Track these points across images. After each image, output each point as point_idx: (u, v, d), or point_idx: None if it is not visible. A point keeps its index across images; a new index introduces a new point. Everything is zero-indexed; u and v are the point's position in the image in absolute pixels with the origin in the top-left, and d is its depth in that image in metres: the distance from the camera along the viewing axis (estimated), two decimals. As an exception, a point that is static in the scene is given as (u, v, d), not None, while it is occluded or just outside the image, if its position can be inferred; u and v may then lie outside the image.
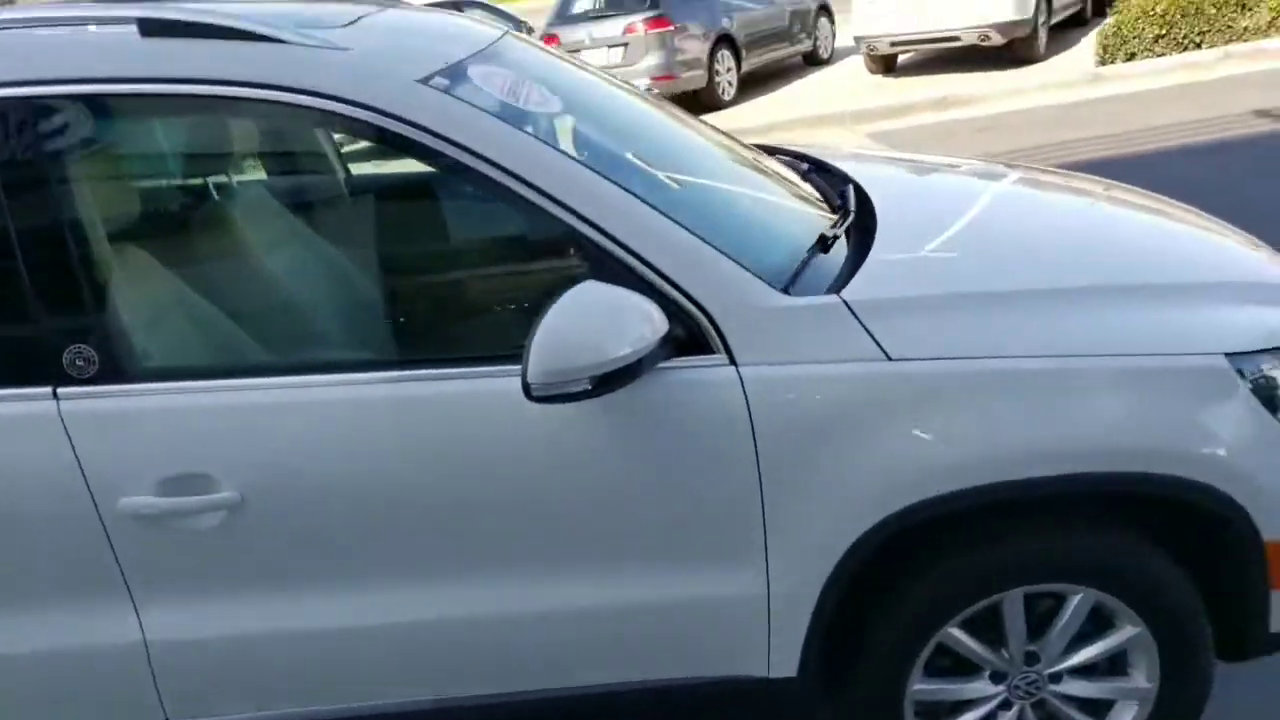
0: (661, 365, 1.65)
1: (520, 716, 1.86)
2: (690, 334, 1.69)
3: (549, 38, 10.25)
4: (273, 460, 1.68)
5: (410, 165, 1.70)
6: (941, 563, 1.82)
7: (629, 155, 2.05)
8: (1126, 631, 1.86)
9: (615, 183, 1.72)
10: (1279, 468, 1.76)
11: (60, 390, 1.68)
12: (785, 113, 9.67)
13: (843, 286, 1.78)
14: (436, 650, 1.81)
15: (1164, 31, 9.44)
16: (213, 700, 1.81)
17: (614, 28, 9.93)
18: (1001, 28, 9.68)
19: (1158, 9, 9.43)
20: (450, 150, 1.64)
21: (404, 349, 1.83)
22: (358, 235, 1.86)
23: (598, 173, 1.71)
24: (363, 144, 1.72)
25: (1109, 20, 9.88)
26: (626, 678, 1.85)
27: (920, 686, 1.90)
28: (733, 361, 1.69)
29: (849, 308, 1.73)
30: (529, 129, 1.76)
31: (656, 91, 9.51)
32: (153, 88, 1.68)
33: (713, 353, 1.70)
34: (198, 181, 1.85)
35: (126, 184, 1.86)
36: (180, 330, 1.81)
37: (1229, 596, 1.86)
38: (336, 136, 1.83)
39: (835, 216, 2.16)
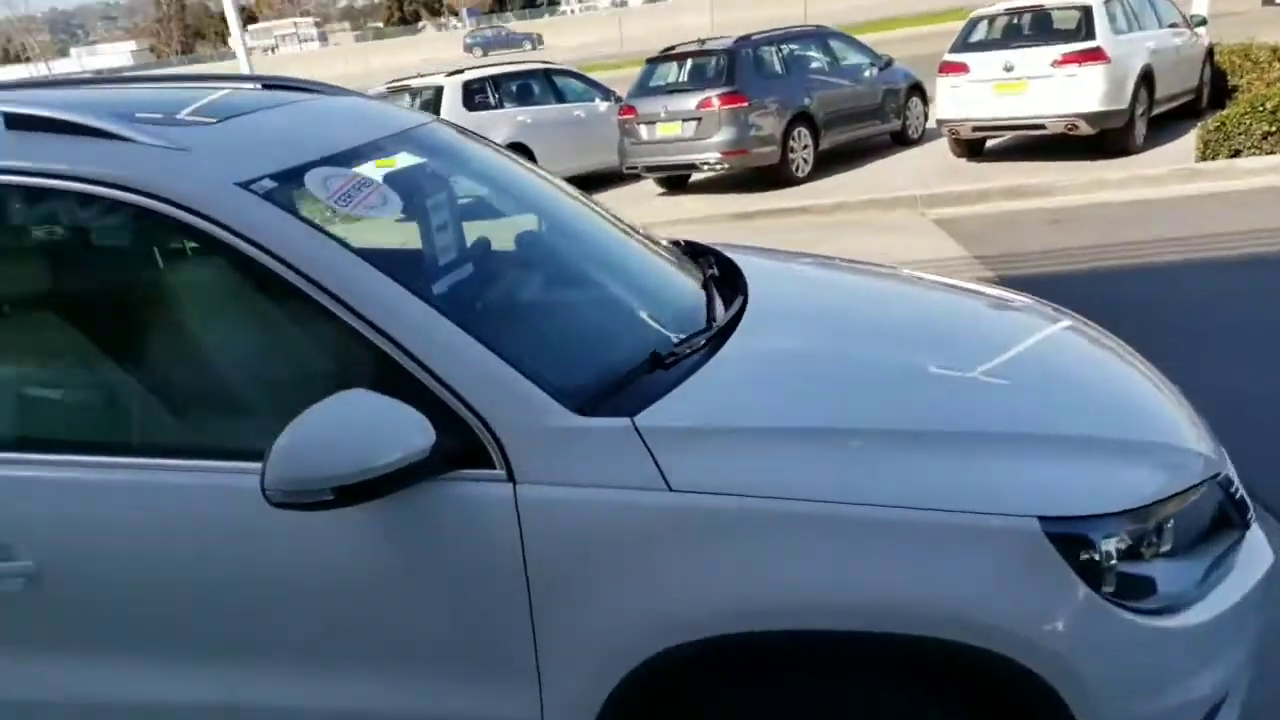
0: (438, 476, 1.66)
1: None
2: (470, 447, 1.68)
3: (627, 109, 10.61)
4: (59, 535, 1.75)
5: (213, 262, 1.76)
6: (715, 710, 1.75)
7: (468, 258, 2.08)
8: None
9: (416, 291, 1.74)
10: (1105, 652, 1.63)
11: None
12: (857, 192, 9.58)
13: (642, 409, 1.74)
14: None
15: (1274, 129, 8.96)
16: None
17: (689, 102, 10.10)
18: (1090, 118, 9.30)
19: (1268, 105, 8.96)
20: (248, 249, 1.70)
21: (177, 437, 1.88)
22: (148, 324, 1.94)
23: (401, 281, 1.73)
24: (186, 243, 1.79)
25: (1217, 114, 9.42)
26: None
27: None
28: (511, 479, 1.68)
29: (639, 433, 1.70)
30: (340, 230, 1.80)
31: (725, 166, 10.04)
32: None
33: (492, 468, 1.69)
34: (20, 266, 1.97)
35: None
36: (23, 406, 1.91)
37: None
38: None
39: (702, 328, 2.13)
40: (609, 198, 10.13)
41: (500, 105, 11.12)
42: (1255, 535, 1.96)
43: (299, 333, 1.84)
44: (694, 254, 2.80)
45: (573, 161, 11.62)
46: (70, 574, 1.77)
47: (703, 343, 2.05)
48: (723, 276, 2.55)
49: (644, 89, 10.74)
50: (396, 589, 1.72)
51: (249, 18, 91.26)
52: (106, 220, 1.84)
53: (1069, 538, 1.63)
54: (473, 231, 2.64)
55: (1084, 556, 1.63)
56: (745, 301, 2.28)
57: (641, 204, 10.60)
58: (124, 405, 1.90)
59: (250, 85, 2.85)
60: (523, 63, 12.10)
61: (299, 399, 1.60)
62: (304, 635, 1.76)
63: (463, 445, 1.68)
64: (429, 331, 1.70)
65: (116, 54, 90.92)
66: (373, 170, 2.08)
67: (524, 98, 11.51)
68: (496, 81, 11.22)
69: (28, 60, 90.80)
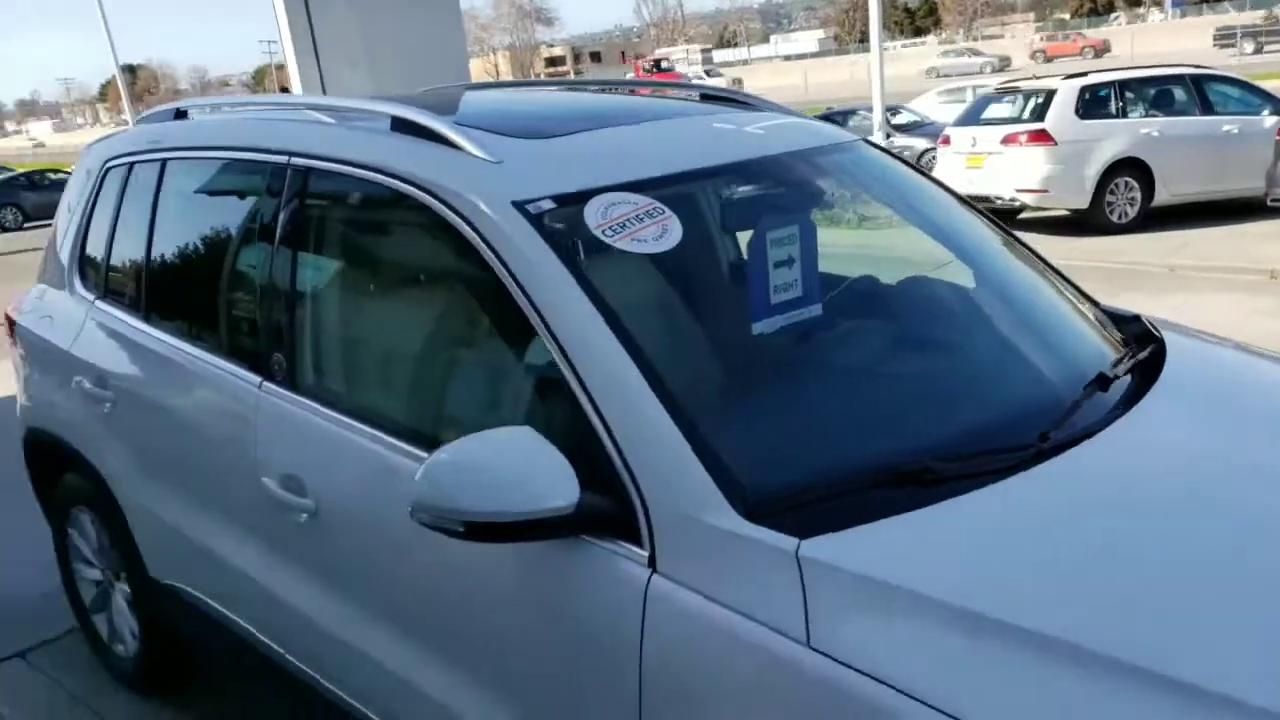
0: (577, 536, 1.57)
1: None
2: (624, 517, 1.55)
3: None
4: (333, 485, 2.01)
5: (472, 272, 1.83)
6: None
7: (759, 318, 1.89)
8: None
9: (635, 348, 1.63)
10: None
11: (264, 385, 2.22)
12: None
13: (817, 534, 1.44)
14: (383, 679, 1.99)
15: None
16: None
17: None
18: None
19: None
20: (495, 265, 1.75)
21: (409, 424, 1.99)
22: (414, 318, 2.08)
23: (619, 336, 1.64)
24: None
25: None
26: None
27: None
28: (652, 564, 1.52)
29: (799, 563, 1.41)
30: (587, 262, 1.75)
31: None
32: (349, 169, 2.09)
33: (638, 546, 1.54)
34: (345, 252, 2.25)
35: (341, 252, 2.32)
36: (327, 365, 2.22)
37: None
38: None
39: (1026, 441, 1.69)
40: (1254, 231, 8.81)
41: (1123, 114, 9.88)
42: None
43: (512, 353, 1.85)
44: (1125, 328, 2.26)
45: (1200, 186, 10.00)
46: (336, 518, 2.03)
47: (1002, 463, 1.61)
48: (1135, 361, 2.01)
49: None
50: (523, 628, 1.68)
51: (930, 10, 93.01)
52: (405, 216, 2.03)
53: None
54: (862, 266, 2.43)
55: None
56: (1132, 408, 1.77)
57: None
58: (383, 383, 2.12)
59: (687, 95, 2.91)
60: (1169, 66, 10.58)
61: (486, 419, 1.62)
62: (438, 628, 1.84)
63: (615, 512, 1.55)
64: (639, 407, 1.57)
65: (805, 41, 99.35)
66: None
67: (1159, 106, 10.10)
68: (1125, 86, 9.98)
69: (735, 45, 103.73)
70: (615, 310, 1.69)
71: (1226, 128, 9.87)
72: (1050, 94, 9.85)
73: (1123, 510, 1.56)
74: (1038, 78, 10.78)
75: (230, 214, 2.54)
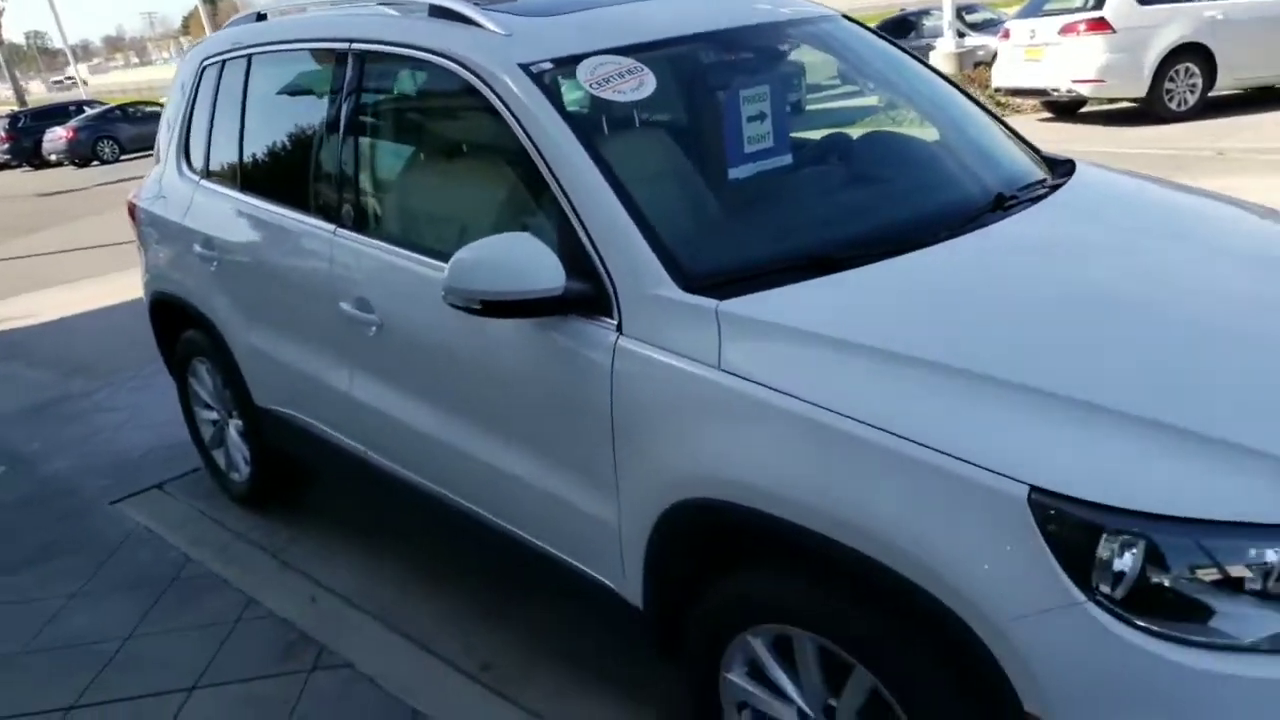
0: (566, 315, 2.09)
1: (472, 530, 2.54)
2: (600, 298, 2.06)
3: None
4: (394, 303, 2.58)
5: (486, 119, 2.33)
6: (742, 569, 1.94)
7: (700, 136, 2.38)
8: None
9: (607, 168, 2.12)
10: (1060, 644, 1.48)
11: (337, 230, 2.79)
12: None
13: (733, 294, 1.94)
14: (437, 454, 2.58)
15: None
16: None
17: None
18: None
19: None
20: (505, 114, 2.25)
21: (435, 244, 2.52)
22: (451, 165, 2.60)
23: (597, 163, 2.13)
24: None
25: None
26: (522, 530, 2.38)
27: (731, 677, 2.03)
28: (619, 329, 2.03)
29: (716, 316, 1.91)
30: (596, 115, 2.25)
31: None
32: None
33: (610, 317, 2.05)
34: (393, 110, 2.78)
35: (391, 116, 2.84)
36: (383, 207, 2.76)
37: None
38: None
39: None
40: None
41: (1183, -1, 9.77)
42: None
43: (510, 179, 2.36)
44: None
45: (1266, 70, 9.89)
46: (396, 326, 2.59)
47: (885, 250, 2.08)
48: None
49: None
50: (521, 383, 2.22)
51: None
52: (439, 82, 2.54)
53: (1053, 514, 1.46)
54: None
55: (1071, 539, 1.46)
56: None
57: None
58: (424, 213, 2.67)
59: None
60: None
61: (498, 230, 2.14)
62: (475, 400, 2.40)
63: (594, 295, 2.06)
64: (606, 212, 2.07)
65: None
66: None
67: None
68: (1187, -31, 9.83)
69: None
70: (595, 144, 2.18)
71: (1295, 8, 9.68)
72: (1108, -22, 9.77)
73: (966, 279, 2.03)
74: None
75: (305, 94, 3.08)
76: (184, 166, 3.69)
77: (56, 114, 29.01)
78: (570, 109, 2.27)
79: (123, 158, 25.02)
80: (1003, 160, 2.71)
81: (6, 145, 28.60)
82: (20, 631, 3.17)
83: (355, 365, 2.83)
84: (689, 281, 1.99)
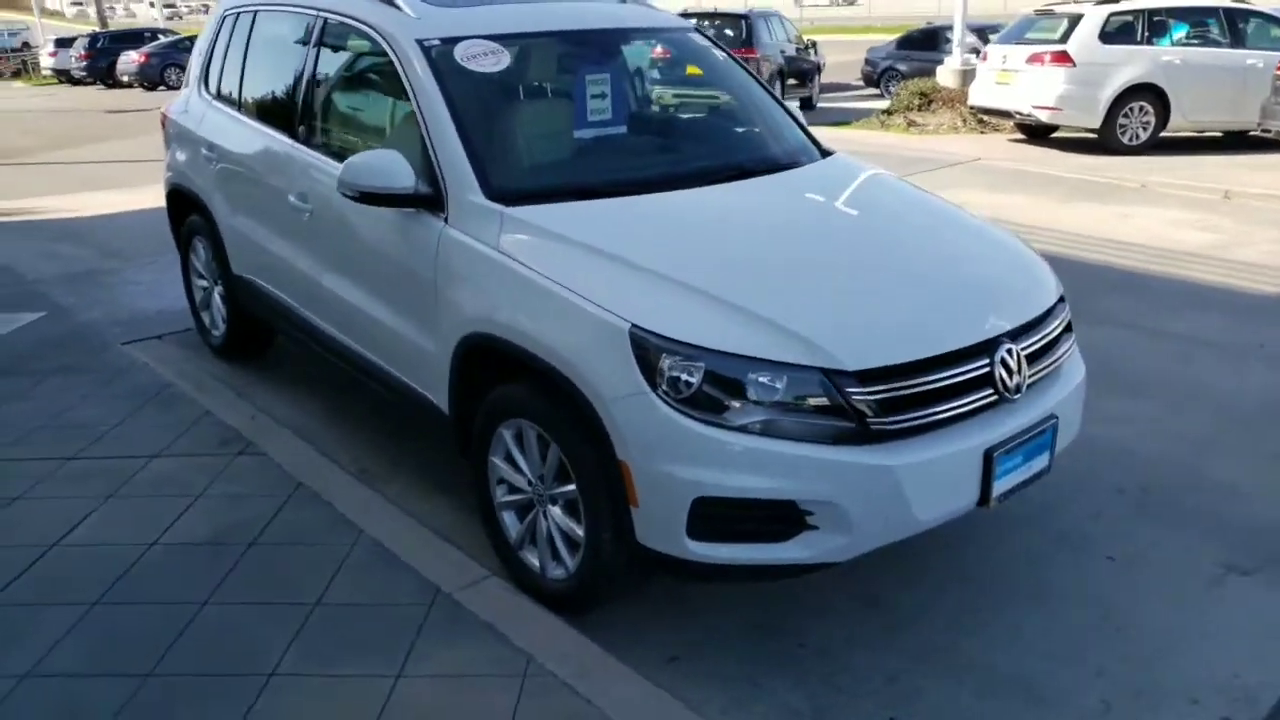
0: (417, 210, 3.13)
1: (360, 365, 3.61)
2: (437, 199, 3.11)
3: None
4: (315, 197, 3.65)
5: (392, 74, 3.38)
6: (499, 383, 2.97)
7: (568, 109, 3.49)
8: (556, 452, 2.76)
9: (456, 113, 3.16)
10: (636, 417, 2.50)
11: (294, 145, 3.87)
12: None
13: (516, 204, 2.97)
14: (338, 306, 3.65)
15: None
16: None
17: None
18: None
19: None
20: (400, 73, 3.30)
21: (342, 151, 3.58)
22: (365, 102, 3.66)
23: (450, 110, 3.16)
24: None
25: None
26: (395, 370, 3.43)
27: (494, 459, 3.07)
28: (445, 221, 3.08)
29: (500, 216, 2.95)
30: (450, 74, 3.27)
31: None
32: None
33: (442, 212, 3.10)
34: (332, 62, 3.85)
35: (335, 64, 3.91)
36: (322, 128, 3.83)
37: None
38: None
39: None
40: (1244, 162, 9.61)
41: (1146, 41, 10.56)
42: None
43: (401, 117, 3.40)
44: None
45: (1215, 115, 10.67)
46: (319, 212, 3.66)
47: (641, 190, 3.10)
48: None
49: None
50: (387, 255, 3.28)
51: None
52: (366, 46, 3.59)
53: (640, 341, 2.49)
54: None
55: (647, 356, 2.48)
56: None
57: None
58: (343, 134, 3.72)
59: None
60: (1206, -2, 11.10)
61: (382, 148, 3.19)
62: (359, 266, 3.47)
63: (434, 196, 3.11)
64: (449, 142, 3.11)
65: None
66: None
67: (1186, 35, 10.70)
68: (1154, 15, 10.62)
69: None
70: (455, 100, 3.21)
71: (1250, 61, 10.44)
72: (1079, 18, 10.58)
73: (704, 216, 3.05)
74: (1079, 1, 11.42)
75: (286, 45, 4.14)
76: (203, 90, 4.79)
77: (132, 39, 30.59)
78: (445, 75, 3.29)
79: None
80: (768, 144, 3.72)
81: (84, 63, 30.24)
82: (42, 416, 4.30)
83: (296, 242, 3.91)
84: (491, 193, 3.03)
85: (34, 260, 7.11)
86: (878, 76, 18.75)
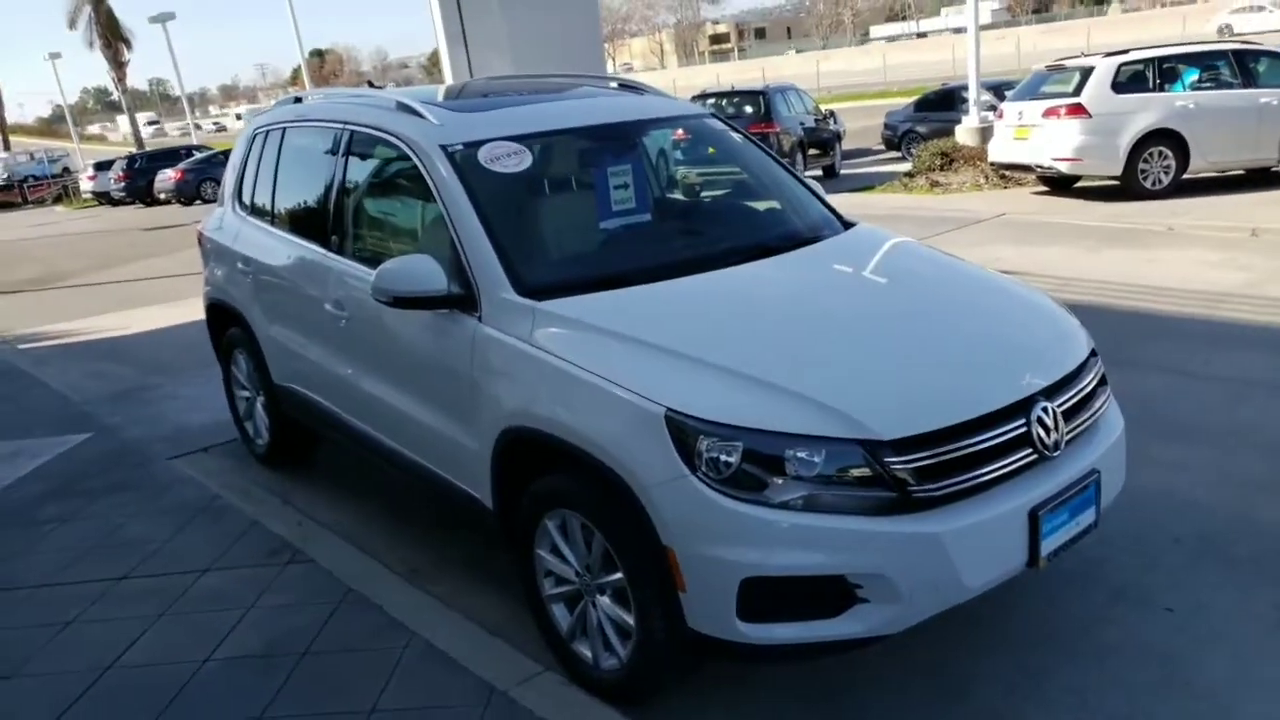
0: (450, 310, 3.21)
1: (401, 463, 3.65)
2: (470, 299, 3.18)
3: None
4: (352, 306, 3.74)
5: (419, 180, 3.50)
6: (541, 475, 2.99)
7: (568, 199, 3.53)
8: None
9: (483, 214, 3.25)
10: (678, 501, 2.51)
11: (327, 254, 3.99)
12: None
13: (547, 298, 3.03)
14: (377, 408, 3.71)
15: None
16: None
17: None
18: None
19: None
20: (427, 178, 3.41)
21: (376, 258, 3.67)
22: (394, 209, 3.77)
23: (478, 213, 3.25)
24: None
25: None
26: (438, 468, 3.46)
27: (540, 552, 3.08)
28: (479, 320, 3.15)
29: (532, 311, 3.01)
30: (474, 176, 3.37)
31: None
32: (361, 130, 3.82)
33: (475, 311, 3.17)
34: (360, 172, 3.98)
35: (364, 174, 4.04)
36: (353, 236, 3.95)
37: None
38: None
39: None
40: (1268, 198, 9.61)
41: (1159, 88, 10.63)
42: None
43: (430, 220, 3.49)
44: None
45: (1235, 155, 10.68)
46: (356, 319, 3.75)
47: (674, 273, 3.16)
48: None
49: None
50: (424, 356, 3.34)
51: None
52: (393, 154, 3.72)
53: (677, 424, 2.51)
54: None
55: (685, 439, 2.49)
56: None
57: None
58: (375, 241, 3.83)
59: (609, 84, 4.50)
60: (1211, 41, 11.17)
61: (412, 251, 3.29)
62: (396, 368, 3.53)
63: (466, 296, 3.18)
64: (478, 243, 3.19)
65: (971, 12, 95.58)
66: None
67: (1198, 79, 10.77)
68: (1164, 62, 10.71)
69: (904, 18, 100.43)
70: (481, 201, 3.31)
71: (1265, 99, 10.46)
72: (1090, 70, 10.70)
73: (732, 296, 3.09)
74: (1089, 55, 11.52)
75: (316, 157, 4.29)
76: (237, 206, 4.96)
77: (168, 156, 31.77)
78: (470, 178, 3.39)
79: (220, 197, 27.24)
80: (790, 220, 3.78)
81: (123, 184, 31.40)
82: (95, 535, 4.38)
83: (334, 348, 4.00)
84: (522, 289, 3.09)
85: (81, 381, 7.31)
86: (898, 140, 18.92)
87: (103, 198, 33.59)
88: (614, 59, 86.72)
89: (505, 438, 3.02)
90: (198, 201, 27.67)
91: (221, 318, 5.14)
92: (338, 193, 4.01)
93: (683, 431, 2.51)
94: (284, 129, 4.61)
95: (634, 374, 2.67)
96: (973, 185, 12.95)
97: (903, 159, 17.89)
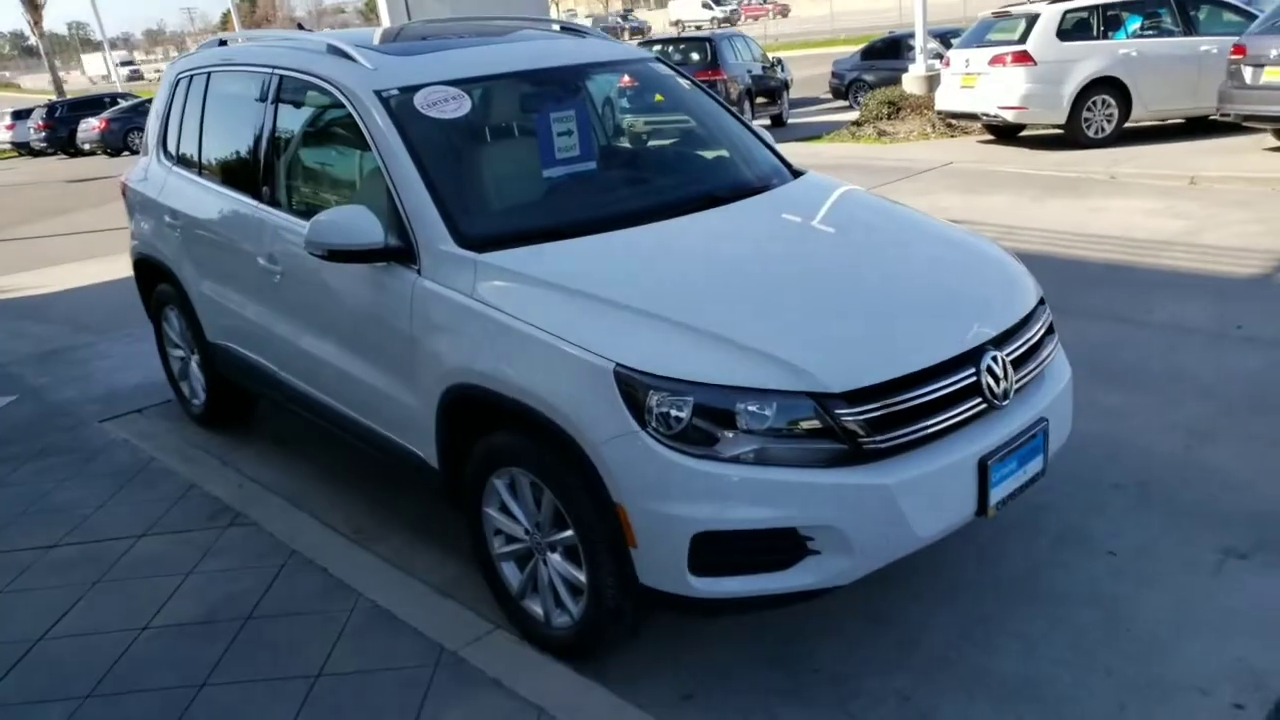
0: (388, 263, 3.09)
1: (340, 423, 3.55)
2: (409, 251, 3.06)
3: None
4: (287, 260, 3.60)
5: (349, 126, 3.35)
6: (488, 433, 2.91)
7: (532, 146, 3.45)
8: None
9: (420, 163, 3.12)
10: (628, 458, 2.45)
11: (259, 205, 3.83)
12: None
13: (488, 250, 2.93)
14: (314, 365, 3.60)
15: None
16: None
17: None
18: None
19: None
20: (360, 124, 3.26)
21: (308, 210, 3.53)
22: (326, 156, 3.64)
23: (415, 161, 3.12)
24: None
25: None
26: (380, 427, 3.37)
27: (489, 510, 3.01)
28: (419, 273, 3.03)
29: (474, 263, 2.91)
30: (410, 123, 3.23)
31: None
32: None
33: (414, 264, 3.05)
34: (294, 117, 3.81)
35: (294, 122, 3.88)
36: (285, 187, 3.79)
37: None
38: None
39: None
40: (1206, 147, 9.69)
41: (1103, 35, 10.68)
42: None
43: (365, 170, 3.35)
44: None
45: (1175, 103, 10.80)
46: (289, 272, 3.61)
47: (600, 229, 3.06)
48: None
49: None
50: (362, 312, 3.23)
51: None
52: (325, 100, 3.55)
53: (626, 379, 2.45)
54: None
55: (634, 394, 2.43)
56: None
57: (1222, 158, 9.55)
58: (307, 190, 3.68)
59: (551, 27, 4.35)
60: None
61: (347, 203, 3.15)
62: (333, 324, 3.42)
63: (405, 248, 3.06)
64: (416, 193, 3.07)
65: None
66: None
67: (1141, 27, 10.83)
68: (1107, 9, 10.74)
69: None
70: (418, 149, 3.17)
71: (1205, 48, 10.56)
72: (1036, 17, 10.70)
73: (679, 248, 3.01)
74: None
75: (243, 105, 4.10)
76: (162, 155, 4.74)
77: (92, 105, 30.46)
78: (406, 125, 3.25)
79: (150, 148, 26.32)
80: (739, 169, 3.71)
81: (44, 133, 30.08)
82: (22, 502, 4.21)
83: (269, 305, 3.86)
84: (463, 241, 2.99)
85: (3, 341, 7.01)
86: (845, 88, 18.87)
87: (22, 148, 32.16)
88: (557, 5, 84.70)
89: (449, 395, 2.94)
90: (125, 153, 26.69)
91: (150, 273, 4.93)
92: (268, 142, 3.83)
93: (632, 387, 2.45)
94: (209, 74, 4.39)
95: (581, 328, 2.60)
96: (920, 134, 12.98)
97: (850, 108, 17.87)
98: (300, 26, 5.13)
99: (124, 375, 5.91)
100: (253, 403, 4.84)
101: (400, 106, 3.29)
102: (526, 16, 4.75)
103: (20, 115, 32.55)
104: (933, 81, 13.82)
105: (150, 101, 20.43)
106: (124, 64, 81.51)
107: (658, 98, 4.10)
